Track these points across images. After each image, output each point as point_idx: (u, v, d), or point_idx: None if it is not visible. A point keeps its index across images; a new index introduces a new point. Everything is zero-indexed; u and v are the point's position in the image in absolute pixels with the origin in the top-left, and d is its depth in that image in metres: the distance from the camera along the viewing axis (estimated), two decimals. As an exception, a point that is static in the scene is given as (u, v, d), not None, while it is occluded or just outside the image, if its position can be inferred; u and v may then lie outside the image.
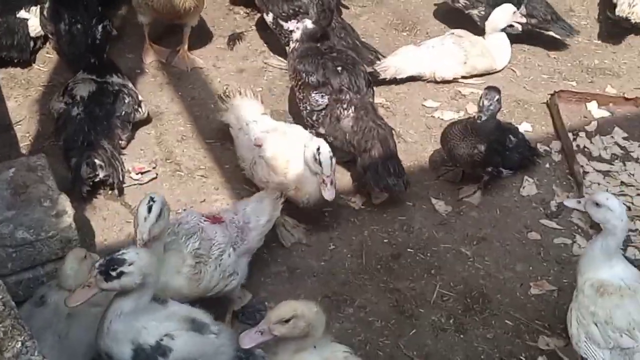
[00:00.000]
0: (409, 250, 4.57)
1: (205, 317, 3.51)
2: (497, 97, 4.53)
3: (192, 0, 5.40)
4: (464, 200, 4.88)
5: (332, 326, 4.01)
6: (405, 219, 4.76)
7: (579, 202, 3.81)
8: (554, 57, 6.11)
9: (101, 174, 4.62)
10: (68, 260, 3.65)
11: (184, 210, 4.58)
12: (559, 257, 4.56)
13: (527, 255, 4.58)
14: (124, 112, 5.01)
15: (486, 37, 5.84)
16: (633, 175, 5.05)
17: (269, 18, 5.56)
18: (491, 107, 4.53)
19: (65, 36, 5.48)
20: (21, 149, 4.99)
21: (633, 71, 6.00)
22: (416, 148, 5.25)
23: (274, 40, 5.82)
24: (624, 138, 5.35)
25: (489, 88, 4.59)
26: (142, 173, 4.89)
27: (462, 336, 4.14)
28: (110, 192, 4.74)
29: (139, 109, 5.11)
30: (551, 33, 6.06)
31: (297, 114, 5.15)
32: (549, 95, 5.61)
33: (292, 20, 5.30)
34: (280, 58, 5.84)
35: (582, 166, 5.06)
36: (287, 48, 5.30)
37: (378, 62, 5.62)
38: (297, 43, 5.00)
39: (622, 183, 5.01)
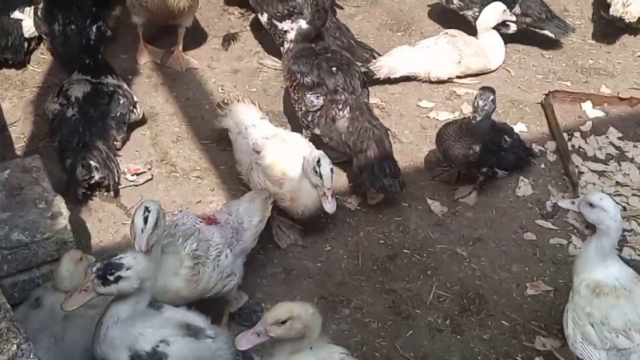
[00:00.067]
0: (405, 251, 4.57)
1: (201, 322, 3.50)
2: (491, 97, 4.53)
3: (186, 0, 5.38)
4: (459, 200, 4.89)
5: (328, 327, 4.01)
6: (401, 219, 4.76)
7: (573, 202, 3.79)
8: (549, 57, 6.11)
9: (97, 176, 4.61)
10: (64, 262, 3.64)
11: (180, 211, 4.57)
12: (554, 258, 4.56)
13: (523, 256, 4.58)
14: (119, 113, 5.00)
15: (479, 36, 5.85)
16: (628, 175, 5.06)
17: (263, 18, 5.55)
18: (486, 108, 4.53)
19: (60, 37, 5.45)
20: (16, 150, 4.97)
21: (627, 71, 6.01)
22: (411, 148, 5.25)
23: (269, 40, 5.81)
24: (619, 138, 5.35)
25: (483, 88, 4.59)
26: (137, 174, 4.87)
27: (458, 337, 4.14)
28: (105, 193, 4.73)
29: (134, 110, 5.10)
30: (546, 32, 6.05)
31: (292, 115, 5.14)
32: (544, 96, 5.61)
33: (287, 21, 5.29)
34: (275, 58, 5.83)
35: (577, 166, 5.06)
36: (281, 48, 5.29)
37: (373, 60, 5.62)
38: (292, 43, 4.98)
39: (617, 183, 5.01)
